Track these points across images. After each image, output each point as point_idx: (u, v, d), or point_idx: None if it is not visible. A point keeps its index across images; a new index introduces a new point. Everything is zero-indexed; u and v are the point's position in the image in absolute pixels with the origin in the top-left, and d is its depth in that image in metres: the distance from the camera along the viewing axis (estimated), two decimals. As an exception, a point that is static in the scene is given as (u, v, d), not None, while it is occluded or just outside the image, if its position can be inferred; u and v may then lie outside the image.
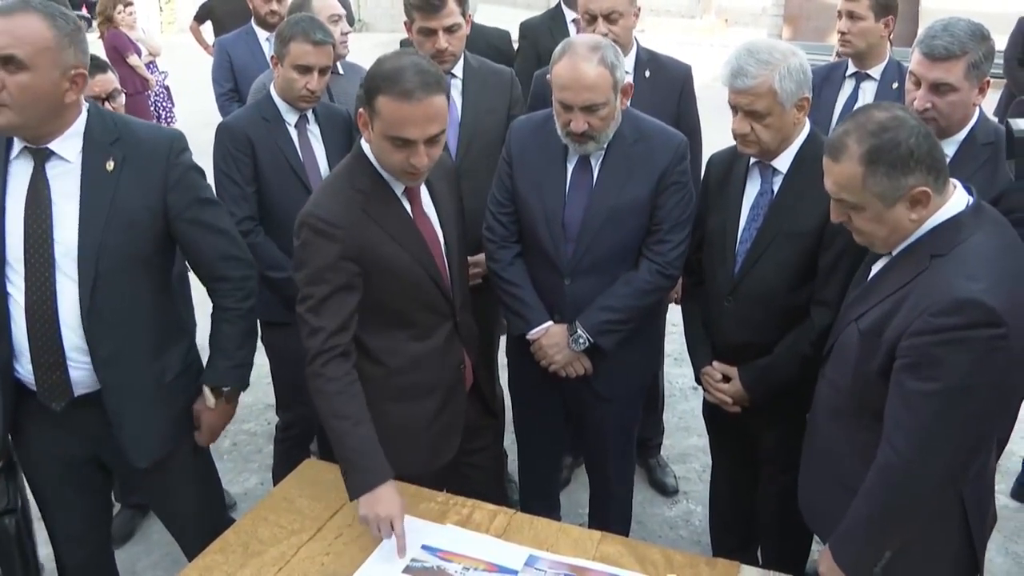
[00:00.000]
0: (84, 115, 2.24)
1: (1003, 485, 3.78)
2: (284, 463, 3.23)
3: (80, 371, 2.28)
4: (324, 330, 2.23)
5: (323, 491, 2.46)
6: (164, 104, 8.11)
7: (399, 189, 2.33)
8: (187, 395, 2.50)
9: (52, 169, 2.20)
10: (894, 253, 2.02)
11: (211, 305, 2.54)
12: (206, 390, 2.50)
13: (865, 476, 1.99)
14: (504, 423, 3.35)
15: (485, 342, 3.08)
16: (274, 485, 2.89)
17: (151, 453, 2.44)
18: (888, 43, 3.47)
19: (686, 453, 4.24)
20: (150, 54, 7.92)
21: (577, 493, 3.83)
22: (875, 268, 2.11)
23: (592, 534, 2.29)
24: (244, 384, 2.57)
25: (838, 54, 3.66)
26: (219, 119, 3.32)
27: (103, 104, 3.03)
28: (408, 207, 2.35)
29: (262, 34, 4.54)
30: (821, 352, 2.28)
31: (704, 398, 2.88)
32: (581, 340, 2.69)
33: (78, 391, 2.30)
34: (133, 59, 7.47)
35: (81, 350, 2.26)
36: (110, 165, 2.24)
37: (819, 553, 2.15)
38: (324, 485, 2.48)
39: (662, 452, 4.08)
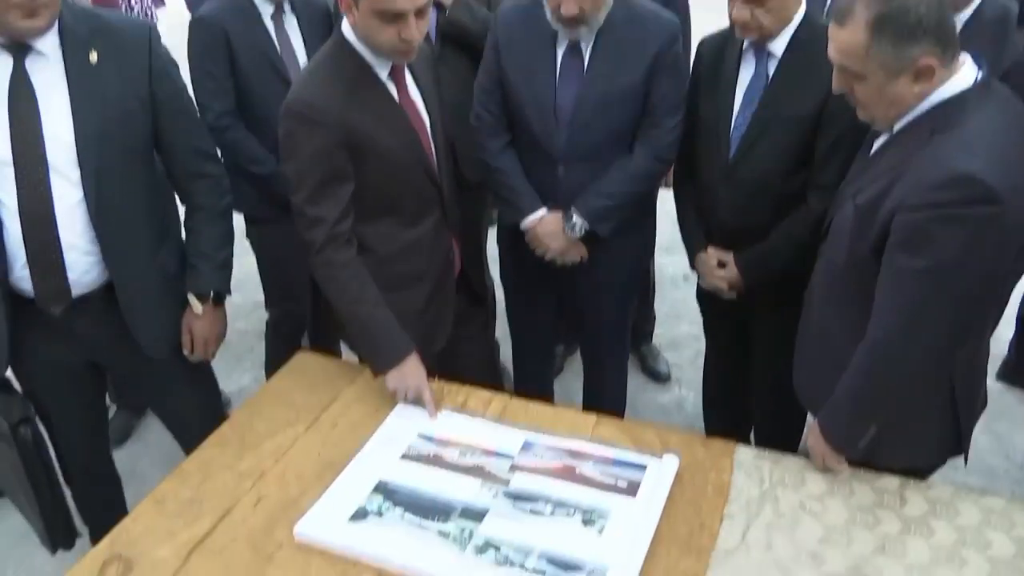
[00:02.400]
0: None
1: (989, 368, 3.81)
2: (277, 359, 3.23)
3: (77, 272, 2.24)
4: (326, 220, 2.20)
5: (317, 383, 2.46)
6: (148, 8, 7.78)
7: (384, 73, 2.26)
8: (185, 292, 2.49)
9: (32, 64, 2.12)
10: (895, 130, 1.97)
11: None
12: (192, 298, 2.48)
13: (856, 355, 1.99)
14: (495, 313, 3.34)
15: (472, 233, 3.05)
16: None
17: (165, 344, 2.47)
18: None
19: (678, 340, 4.26)
20: None
21: (569, 381, 3.86)
22: (876, 145, 2.06)
23: (588, 417, 2.30)
24: (227, 288, 2.55)
25: None
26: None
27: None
28: (394, 91, 2.29)
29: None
30: (817, 237, 2.26)
31: (698, 284, 2.87)
32: (577, 227, 2.65)
33: (76, 292, 2.27)
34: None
35: (80, 250, 2.22)
36: (93, 57, 2.16)
37: (807, 429, 2.17)
38: (317, 377, 2.49)
39: (654, 340, 4.11)
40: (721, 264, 2.67)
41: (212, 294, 2.50)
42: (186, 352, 2.53)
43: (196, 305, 2.48)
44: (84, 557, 1.93)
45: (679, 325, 4.38)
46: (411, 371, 2.29)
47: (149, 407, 2.83)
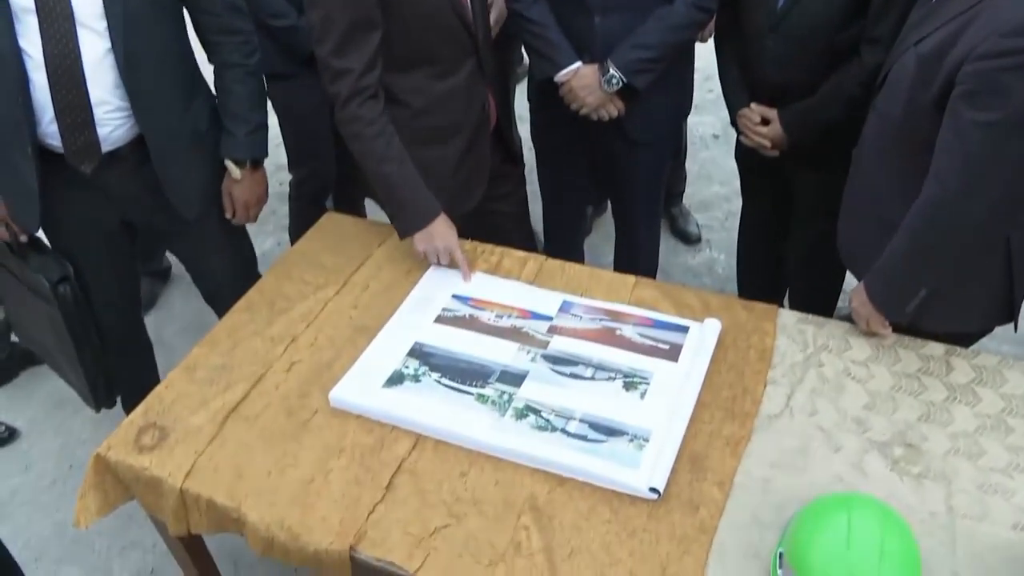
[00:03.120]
0: None
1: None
2: (301, 221, 3.18)
3: (107, 128, 2.18)
4: (352, 72, 2.08)
5: (345, 245, 2.41)
6: None
7: None
8: (218, 150, 2.43)
9: None
10: (966, -30, 1.82)
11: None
12: (229, 164, 2.42)
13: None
14: (524, 172, 3.26)
15: (501, 88, 2.93)
16: (292, 245, 2.85)
17: (196, 203, 2.42)
18: None
19: (708, 201, 4.16)
20: None
21: (597, 243, 3.80)
22: (942, -12, 1.91)
23: (626, 279, 2.24)
24: (264, 152, 2.48)
25: None
26: None
27: None
28: None
29: None
30: (869, 93, 2.13)
31: (738, 142, 2.75)
32: (614, 80, 2.51)
33: (105, 148, 2.21)
34: None
35: (109, 104, 2.16)
36: None
37: (851, 291, 2.10)
38: (346, 239, 2.43)
39: (684, 201, 4.01)
40: (764, 121, 2.55)
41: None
42: (228, 216, 2.51)
43: (234, 170, 2.43)
44: (119, 426, 1.92)
45: (710, 186, 4.26)
46: (439, 232, 2.23)
47: (184, 266, 2.81)
